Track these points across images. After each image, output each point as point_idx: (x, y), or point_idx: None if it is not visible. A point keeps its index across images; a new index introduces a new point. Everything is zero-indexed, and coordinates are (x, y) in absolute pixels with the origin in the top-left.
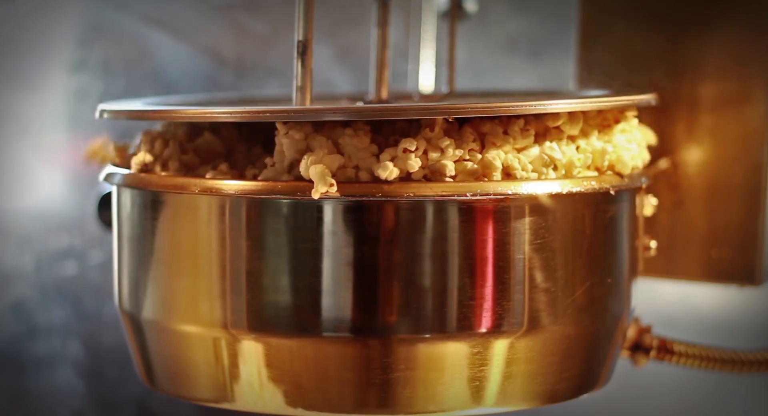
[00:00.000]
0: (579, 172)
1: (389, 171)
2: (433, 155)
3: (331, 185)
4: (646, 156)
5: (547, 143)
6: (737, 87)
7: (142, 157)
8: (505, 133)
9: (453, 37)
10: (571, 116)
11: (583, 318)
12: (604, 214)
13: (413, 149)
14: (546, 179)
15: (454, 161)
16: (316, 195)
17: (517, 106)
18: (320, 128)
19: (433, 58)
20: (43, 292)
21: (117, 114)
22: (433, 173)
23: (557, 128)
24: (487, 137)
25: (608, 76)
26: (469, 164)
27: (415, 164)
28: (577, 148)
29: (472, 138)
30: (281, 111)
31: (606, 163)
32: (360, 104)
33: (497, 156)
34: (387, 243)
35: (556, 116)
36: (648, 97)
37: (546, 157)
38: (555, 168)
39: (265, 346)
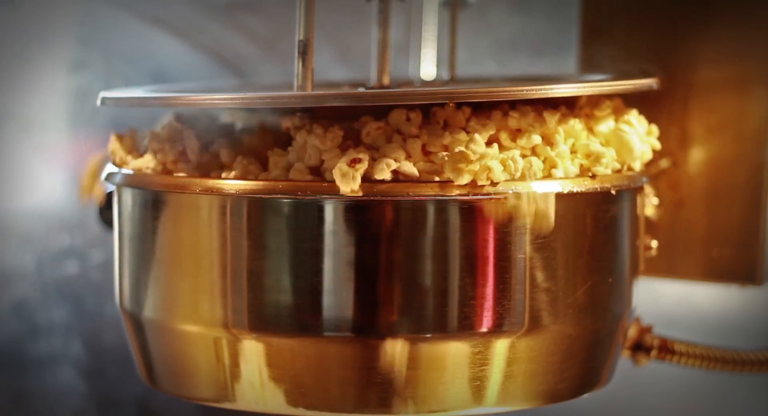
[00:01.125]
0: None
1: (348, 185)
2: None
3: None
4: (648, 153)
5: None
6: (739, 86)
7: (147, 160)
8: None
9: (455, 25)
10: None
11: (584, 318)
12: (605, 214)
13: (361, 171)
14: (550, 178)
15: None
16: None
17: (519, 91)
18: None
19: (434, 58)
20: (44, 292)
21: (119, 101)
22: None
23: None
24: (470, 124)
25: (609, 74)
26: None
27: (356, 183)
28: (575, 152)
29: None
30: (284, 97)
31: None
32: (362, 89)
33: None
34: (388, 243)
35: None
36: (650, 82)
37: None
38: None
39: (266, 346)
